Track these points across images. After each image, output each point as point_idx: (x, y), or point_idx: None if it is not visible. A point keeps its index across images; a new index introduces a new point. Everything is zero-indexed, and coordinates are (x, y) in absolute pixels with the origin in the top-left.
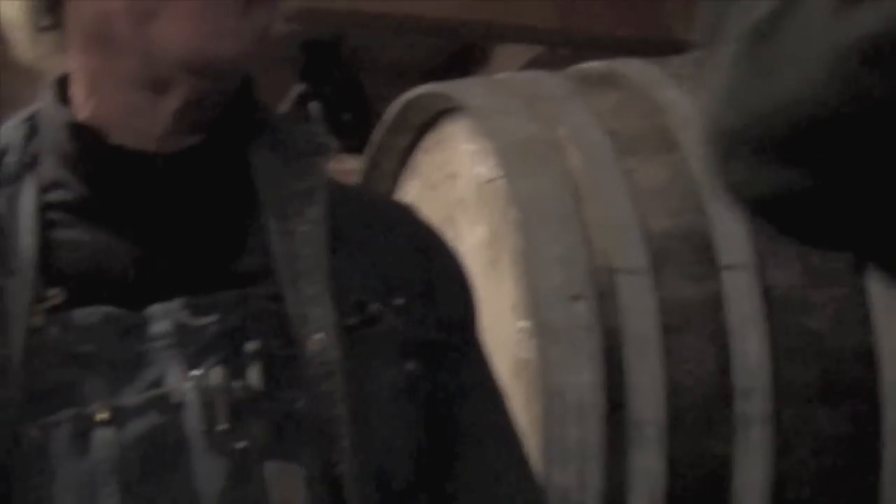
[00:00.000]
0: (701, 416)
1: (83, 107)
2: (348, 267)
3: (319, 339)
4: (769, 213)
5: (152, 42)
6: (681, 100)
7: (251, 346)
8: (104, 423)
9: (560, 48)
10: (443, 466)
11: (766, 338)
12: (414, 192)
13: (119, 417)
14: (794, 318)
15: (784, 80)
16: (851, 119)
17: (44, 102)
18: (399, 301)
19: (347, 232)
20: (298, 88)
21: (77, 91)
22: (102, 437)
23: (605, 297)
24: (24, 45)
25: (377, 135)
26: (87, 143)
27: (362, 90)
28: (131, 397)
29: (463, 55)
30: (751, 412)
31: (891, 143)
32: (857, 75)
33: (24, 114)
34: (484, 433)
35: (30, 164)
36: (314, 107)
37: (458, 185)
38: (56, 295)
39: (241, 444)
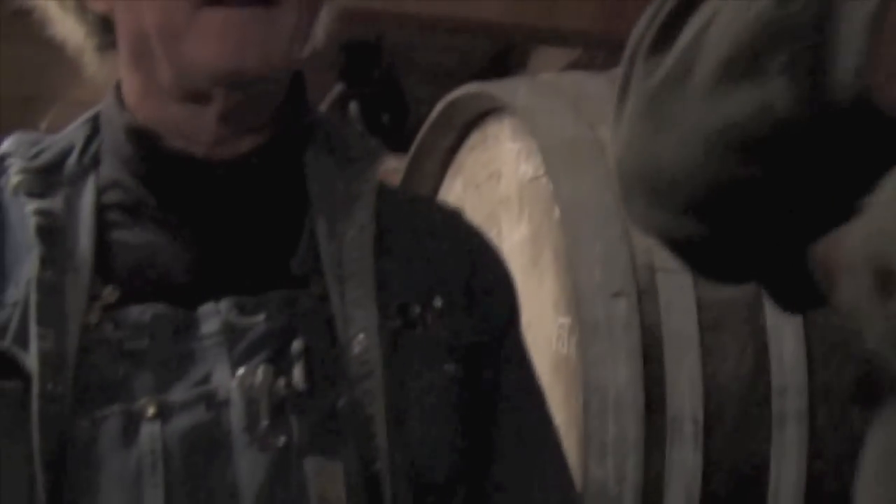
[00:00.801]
0: (737, 413)
1: (137, 113)
2: (393, 270)
3: (362, 340)
4: (666, 247)
5: (183, 57)
6: None
7: (296, 345)
8: (151, 418)
9: (600, 51)
10: (481, 466)
11: (803, 338)
12: (457, 190)
13: (166, 413)
14: (830, 319)
15: (668, 145)
16: (719, 189)
17: (105, 105)
18: (441, 305)
19: (394, 235)
20: (338, 89)
21: (130, 99)
22: (149, 432)
23: (645, 294)
24: (89, 64)
25: (421, 134)
26: (144, 146)
27: (401, 92)
28: (178, 394)
29: (502, 58)
30: (786, 411)
31: (756, 207)
32: (723, 158)
33: (87, 115)
34: (523, 434)
35: (90, 165)
36: (353, 107)
37: (501, 184)
38: (111, 293)
39: (281, 441)
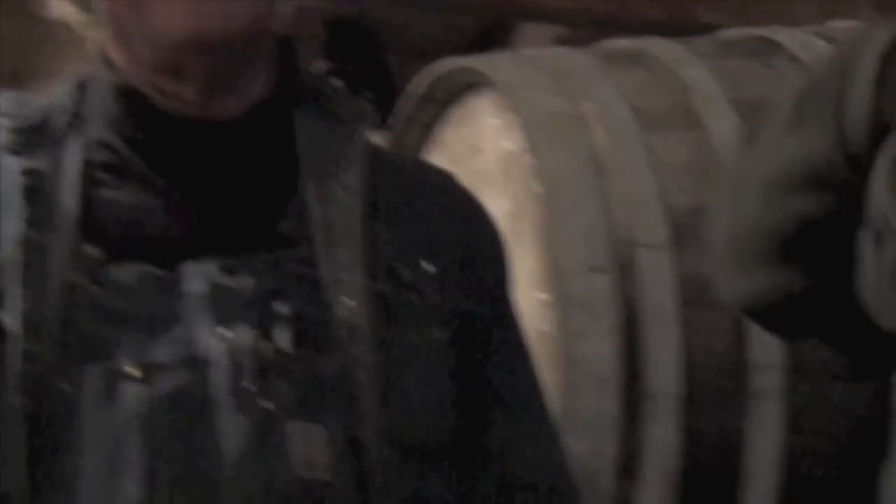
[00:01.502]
0: (717, 389)
1: (126, 72)
2: (384, 233)
3: (349, 303)
4: (751, 315)
5: (151, 28)
6: (705, 79)
7: (282, 308)
8: (133, 379)
9: (583, 29)
10: (473, 431)
11: None
12: (438, 165)
13: (148, 373)
14: None
15: (740, 208)
16: (783, 232)
17: (94, 66)
18: (432, 268)
19: (385, 198)
20: (322, 66)
21: (117, 65)
22: (131, 392)
23: (625, 270)
24: (82, 39)
25: (402, 107)
26: (131, 105)
27: (386, 68)
28: (162, 355)
29: (486, 35)
30: (766, 387)
31: (820, 252)
32: (780, 201)
33: (76, 76)
34: (514, 399)
35: (76, 124)
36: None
37: (482, 159)
38: (95, 253)
39: (265, 404)
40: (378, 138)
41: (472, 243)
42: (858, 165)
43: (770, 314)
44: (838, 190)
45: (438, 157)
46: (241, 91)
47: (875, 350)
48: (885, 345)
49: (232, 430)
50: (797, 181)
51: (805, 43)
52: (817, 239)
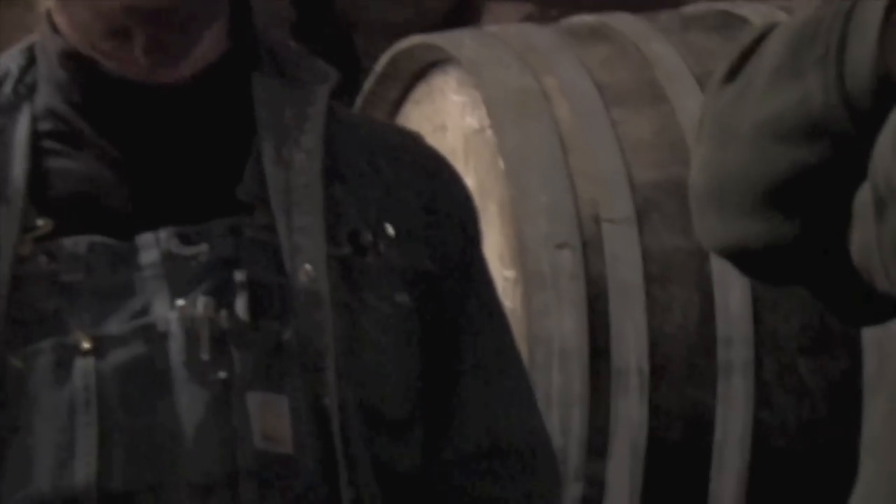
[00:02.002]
0: (683, 364)
1: (71, 37)
2: (344, 196)
3: (309, 270)
4: (734, 261)
5: None
6: (669, 54)
7: (239, 276)
8: (86, 353)
9: (554, 6)
10: (443, 392)
11: (749, 288)
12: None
13: (101, 347)
14: None
15: (732, 152)
16: (776, 183)
17: (41, 33)
18: (394, 231)
19: (346, 160)
20: None
21: (63, 31)
22: (83, 367)
23: (590, 246)
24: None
25: (367, 85)
26: (79, 71)
27: (353, 48)
28: (115, 327)
29: (455, 13)
30: (732, 361)
31: (808, 202)
32: (774, 150)
33: (23, 44)
34: (486, 362)
35: (26, 93)
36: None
37: (447, 137)
38: (45, 224)
39: (223, 375)
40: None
41: (438, 203)
42: (859, 118)
43: (753, 260)
44: (835, 141)
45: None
46: (191, 54)
47: (860, 301)
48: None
49: (189, 402)
50: (791, 130)
51: (768, 17)
52: (809, 189)
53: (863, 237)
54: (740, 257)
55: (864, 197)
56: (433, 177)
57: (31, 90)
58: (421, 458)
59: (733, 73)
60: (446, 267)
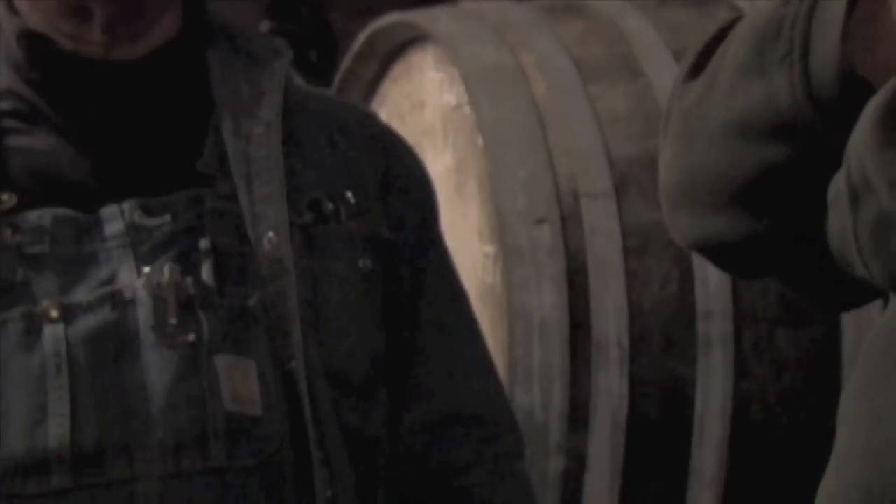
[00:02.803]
0: (663, 338)
1: (29, 18)
2: (304, 166)
3: (272, 238)
4: (706, 255)
5: None
6: (645, 29)
7: (203, 244)
8: (54, 320)
9: None
10: (404, 361)
11: None
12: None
13: (69, 314)
14: None
15: (700, 151)
16: (744, 180)
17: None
18: (354, 199)
19: (304, 132)
20: (266, 26)
21: (20, 10)
22: (52, 334)
23: (569, 220)
24: None
25: (344, 65)
26: (36, 50)
27: (329, 28)
28: (82, 295)
29: None
30: (711, 334)
31: (777, 198)
32: (741, 150)
33: None
34: (446, 330)
35: None
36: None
37: (425, 114)
38: (8, 199)
39: (190, 338)
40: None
41: (394, 178)
42: (825, 114)
43: (726, 255)
44: (802, 138)
45: (382, 112)
46: (147, 33)
47: (835, 288)
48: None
49: (157, 365)
50: (758, 129)
51: None
52: (778, 185)
53: (838, 227)
54: (713, 252)
55: (838, 187)
56: (388, 151)
57: None
58: (385, 426)
59: (696, 70)
60: (404, 238)
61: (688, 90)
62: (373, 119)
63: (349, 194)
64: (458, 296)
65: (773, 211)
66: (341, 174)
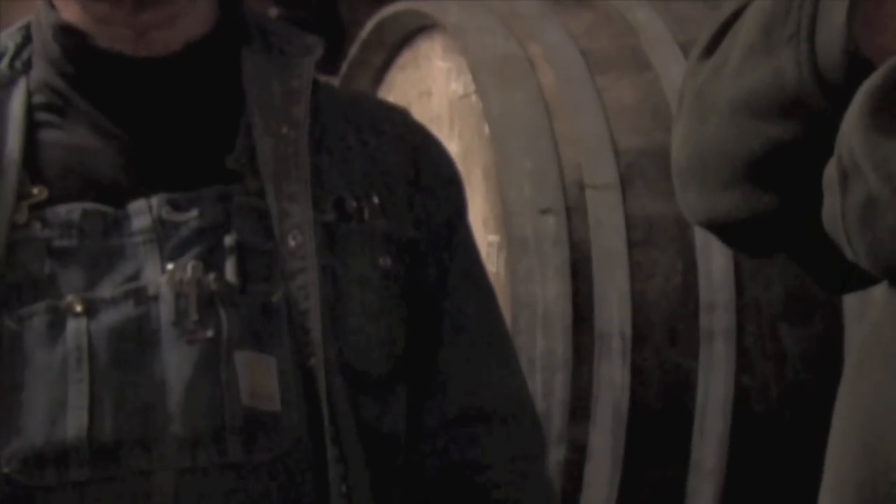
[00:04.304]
0: (666, 329)
1: (65, 12)
2: (329, 166)
3: (296, 235)
4: (715, 232)
5: None
6: (653, 21)
7: (228, 240)
8: (78, 314)
9: None
10: (428, 358)
11: (731, 255)
12: None
13: (92, 309)
14: None
15: (710, 128)
16: (753, 157)
17: (37, 10)
18: (378, 199)
19: (332, 131)
20: (273, 13)
21: (56, 4)
22: (75, 327)
23: (574, 211)
24: None
25: (352, 52)
26: (71, 44)
27: (338, 15)
28: (107, 290)
29: None
30: (714, 327)
31: (785, 176)
32: (750, 127)
33: (20, 22)
34: (469, 327)
35: (21, 68)
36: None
37: (432, 103)
38: (39, 192)
39: (209, 334)
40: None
41: (423, 176)
42: (831, 94)
43: (735, 232)
44: (808, 117)
45: (389, 101)
46: (181, 27)
47: (839, 270)
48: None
49: (177, 361)
50: (765, 107)
51: None
52: (784, 163)
53: (830, 209)
54: (722, 229)
55: (831, 170)
56: (418, 150)
57: (27, 65)
58: (404, 421)
59: (710, 49)
60: (430, 235)
61: (700, 69)
62: (404, 117)
63: (374, 194)
64: (483, 293)
65: (780, 189)
66: (368, 173)
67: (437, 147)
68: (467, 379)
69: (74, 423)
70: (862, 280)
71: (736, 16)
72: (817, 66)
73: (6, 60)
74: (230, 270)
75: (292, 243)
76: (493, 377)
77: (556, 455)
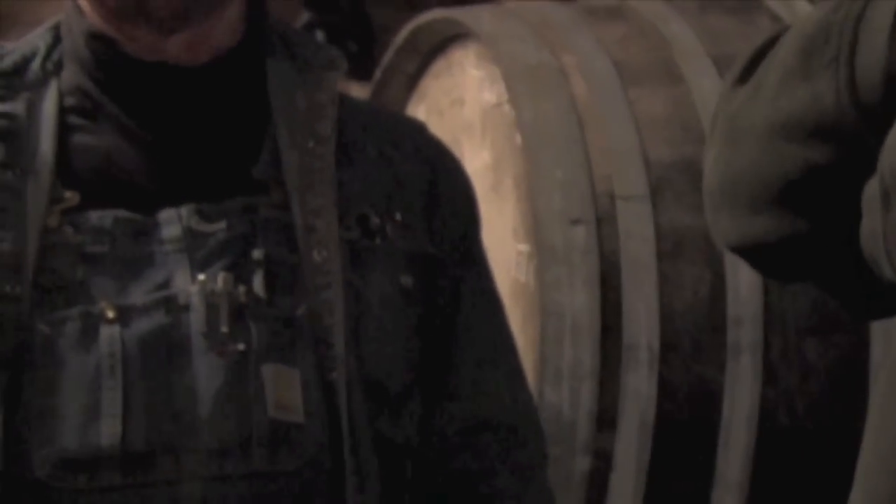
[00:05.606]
0: (692, 342)
1: (92, 18)
2: (353, 181)
3: (322, 250)
4: (746, 257)
5: None
6: (686, 34)
7: (257, 253)
8: (110, 321)
9: None
10: (438, 369)
11: None
12: (420, 117)
13: (125, 316)
14: None
15: (745, 153)
16: (787, 181)
17: (67, 13)
18: (400, 216)
19: (355, 146)
20: (305, 18)
21: (85, 10)
22: (108, 334)
23: (604, 222)
24: None
25: (385, 59)
26: (101, 51)
27: (368, 20)
28: (138, 297)
29: None
30: (741, 340)
31: (819, 199)
32: (786, 150)
33: (50, 23)
34: (479, 343)
35: (53, 70)
36: (319, 36)
37: (464, 111)
38: (71, 197)
39: (240, 347)
40: (359, 91)
41: (440, 191)
42: (869, 118)
43: (765, 257)
44: (845, 141)
45: (421, 108)
46: (209, 39)
47: (870, 296)
48: (883, 293)
49: (207, 372)
50: (802, 130)
51: (787, 2)
52: (819, 187)
53: (870, 228)
54: (752, 253)
55: (872, 189)
56: (435, 165)
57: (58, 67)
58: (416, 433)
59: (746, 75)
60: (446, 251)
61: (735, 94)
62: (422, 132)
63: (396, 210)
64: (493, 309)
65: (813, 213)
66: (389, 189)
67: (454, 162)
68: (475, 391)
69: (108, 430)
70: (890, 306)
71: (771, 43)
72: (856, 91)
73: (38, 61)
74: (258, 283)
75: (318, 258)
76: (501, 390)
77: (582, 465)
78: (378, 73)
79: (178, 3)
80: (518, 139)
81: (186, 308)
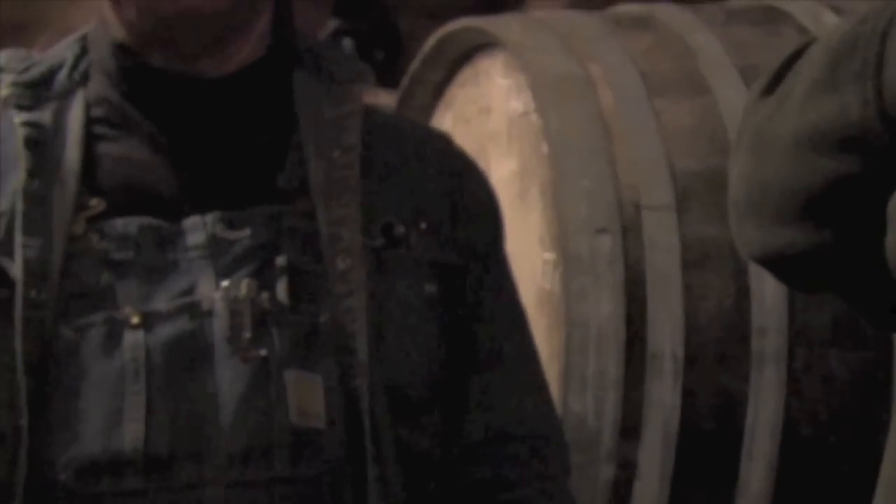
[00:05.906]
0: (717, 352)
1: (117, 31)
2: (378, 190)
3: (346, 258)
4: (771, 268)
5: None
6: (712, 45)
7: (280, 260)
8: (135, 327)
9: None
10: (461, 378)
11: None
12: (447, 125)
13: (149, 322)
14: None
15: (771, 164)
16: (813, 192)
17: (94, 24)
18: (424, 225)
19: (380, 156)
20: (332, 25)
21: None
22: (132, 340)
23: (629, 231)
24: None
25: (412, 67)
26: (128, 62)
27: (396, 28)
28: (162, 303)
29: None
30: (765, 351)
31: (844, 211)
32: (812, 161)
33: (78, 34)
34: (502, 352)
35: (80, 81)
36: (347, 44)
37: (491, 120)
38: (97, 204)
39: (263, 353)
40: (386, 98)
41: (464, 201)
42: (895, 131)
43: (790, 268)
44: (871, 153)
45: (448, 116)
46: (235, 52)
47: (895, 308)
48: None
49: (230, 377)
50: (828, 142)
51: (813, 13)
52: (845, 198)
53: (895, 240)
54: (777, 264)
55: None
56: (459, 176)
57: (85, 77)
58: (438, 441)
59: (772, 87)
60: (470, 261)
61: (761, 106)
62: (446, 143)
63: (420, 220)
64: (516, 319)
65: (838, 224)
66: (414, 199)
67: (478, 173)
68: (498, 401)
69: (131, 435)
70: None
71: (797, 55)
72: (883, 103)
73: (65, 71)
74: (281, 291)
75: (341, 266)
76: (524, 400)
77: (606, 473)
78: (405, 81)
79: (208, 36)
80: (545, 148)
81: (210, 314)
